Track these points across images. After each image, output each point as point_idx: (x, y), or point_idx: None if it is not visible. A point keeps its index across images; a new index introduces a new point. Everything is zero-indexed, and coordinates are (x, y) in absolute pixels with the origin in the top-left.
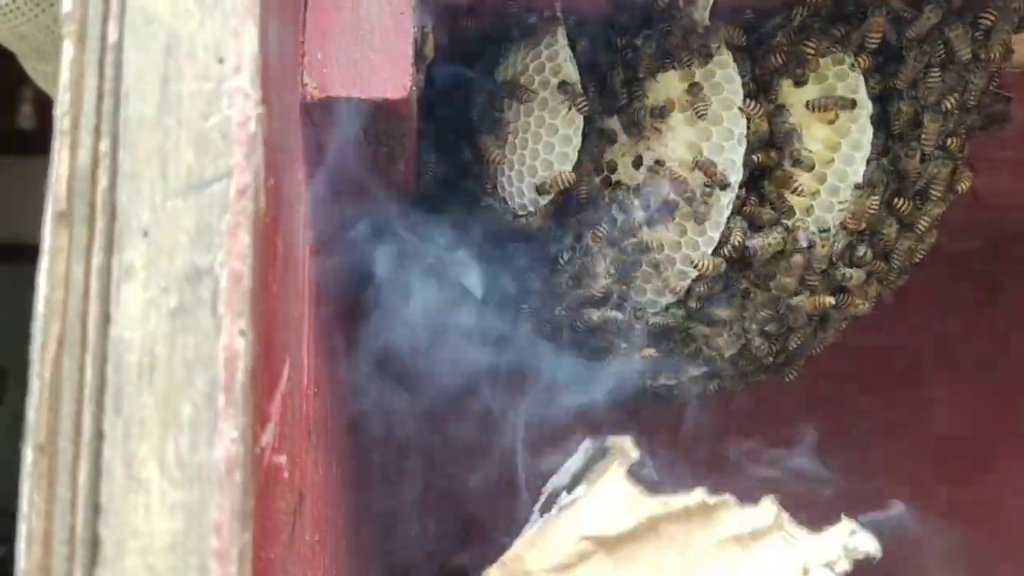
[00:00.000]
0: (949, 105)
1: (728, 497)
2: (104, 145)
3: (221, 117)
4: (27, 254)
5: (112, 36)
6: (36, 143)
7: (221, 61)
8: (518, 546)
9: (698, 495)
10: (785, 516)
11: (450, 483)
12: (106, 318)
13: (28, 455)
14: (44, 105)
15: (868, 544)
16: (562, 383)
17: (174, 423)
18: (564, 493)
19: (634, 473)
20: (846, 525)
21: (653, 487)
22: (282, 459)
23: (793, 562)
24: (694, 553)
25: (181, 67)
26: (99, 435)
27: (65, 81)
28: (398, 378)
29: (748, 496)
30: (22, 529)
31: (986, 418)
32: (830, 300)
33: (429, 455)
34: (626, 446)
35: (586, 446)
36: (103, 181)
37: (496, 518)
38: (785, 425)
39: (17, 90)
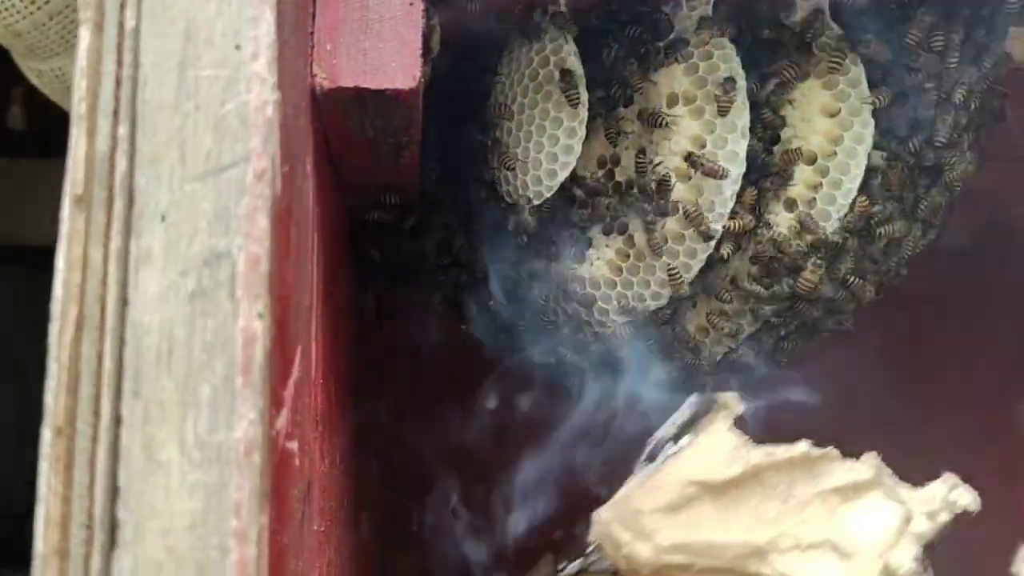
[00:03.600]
0: (960, 98)
1: (831, 450)
2: (122, 130)
3: (239, 102)
4: (19, 255)
5: (130, 22)
6: (26, 144)
7: (238, 47)
8: (628, 488)
9: (802, 447)
10: (887, 471)
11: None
12: (124, 302)
13: (46, 437)
14: (34, 106)
15: (967, 498)
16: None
17: (193, 405)
18: (670, 444)
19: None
20: (948, 479)
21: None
22: (294, 445)
23: (894, 513)
24: (796, 502)
25: (199, 53)
26: (117, 418)
27: (82, 66)
28: (401, 372)
29: None
30: (39, 512)
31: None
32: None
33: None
34: (731, 401)
35: (692, 400)
36: (121, 165)
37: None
38: None
39: (7, 91)
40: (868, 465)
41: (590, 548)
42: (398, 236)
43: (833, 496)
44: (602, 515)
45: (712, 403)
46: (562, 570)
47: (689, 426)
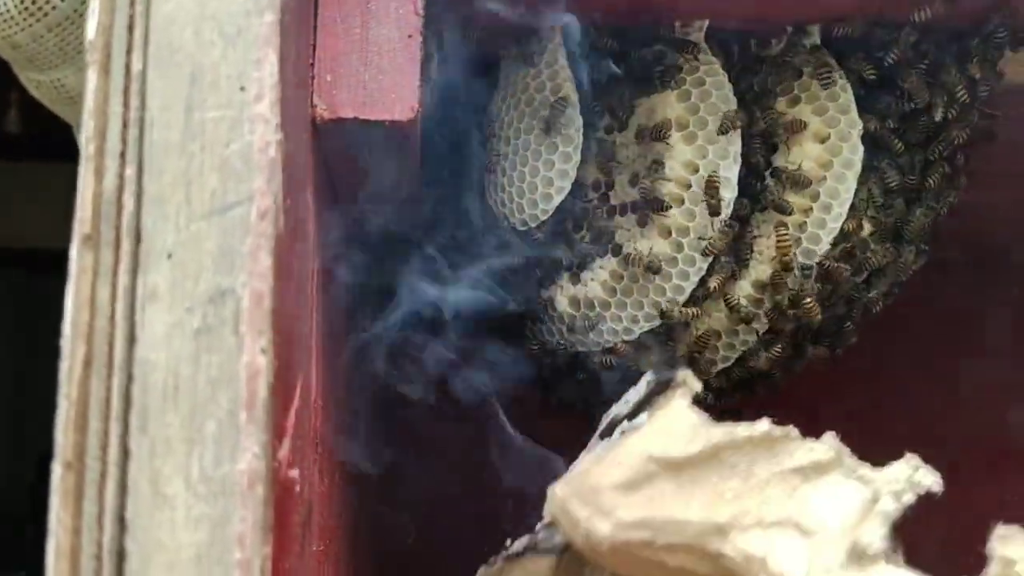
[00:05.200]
0: (952, 117)
1: (792, 429)
2: (130, 170)
3: (243, 143)
4: (15, 257)
5: (136, 66)
6: (22, 148)
7: (243, 89)
8: (583, 463)
9: (763, 426)
10: (847, 452)
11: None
12: (132, 339)
13: (56, 472)
14: (30, 110)
15: (931, 478)
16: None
17: (198, 440)
18: (625, 421)
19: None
20: (910, 459)
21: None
22: (295, 473)
23: (859, 492)
24: (756, 481)
25: (205, 96)
26: (125, 453)
27: (90, 108)
28: (397, 389)
29: None
30: (50, 544)
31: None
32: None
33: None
34: (689, 378)
35: (648, 378)
36: (129, 205)
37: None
38: None
39: (4, 95)
40: (828, 446)
41: (539, 525)
42: (392, 257)
43: (794, 476)
44: (558, 490)
45: (668, 382)
46: (508, 547)
47: (645, 404)
